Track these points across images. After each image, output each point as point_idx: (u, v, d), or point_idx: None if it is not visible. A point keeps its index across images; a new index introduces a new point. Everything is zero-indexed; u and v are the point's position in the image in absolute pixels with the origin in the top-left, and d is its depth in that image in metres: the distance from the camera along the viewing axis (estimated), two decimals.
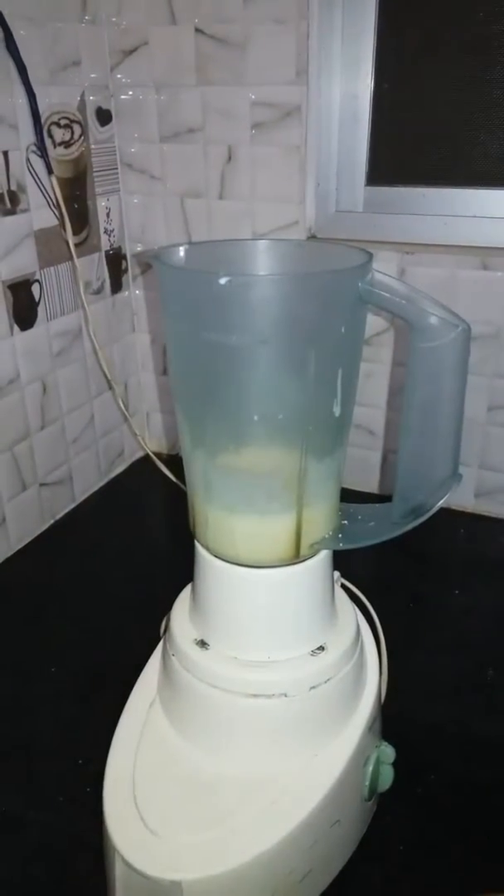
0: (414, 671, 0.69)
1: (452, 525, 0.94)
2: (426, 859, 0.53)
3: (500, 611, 0.79)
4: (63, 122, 0.84)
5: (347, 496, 0.50)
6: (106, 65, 0.89)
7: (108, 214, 0.95)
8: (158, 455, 1.03)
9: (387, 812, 0.53)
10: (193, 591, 0.53)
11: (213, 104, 0.87)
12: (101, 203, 0.94)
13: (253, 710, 0.48)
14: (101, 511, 1.00)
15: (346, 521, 0.50)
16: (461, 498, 0.96)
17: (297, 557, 0.48)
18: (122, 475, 1.08)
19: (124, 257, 1.01)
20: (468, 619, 0.78)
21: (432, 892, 0.51)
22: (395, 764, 0.53)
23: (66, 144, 0.85)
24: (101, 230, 0.95)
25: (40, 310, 0.86)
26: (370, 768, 0.51)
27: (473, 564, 0.88)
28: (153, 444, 1.13)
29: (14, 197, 0.79)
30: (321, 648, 0.50)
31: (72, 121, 0.85)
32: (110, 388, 1.01)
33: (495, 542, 0.92)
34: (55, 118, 0.82)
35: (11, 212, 0.79)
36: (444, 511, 0.93)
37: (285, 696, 0.48)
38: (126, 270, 1.02)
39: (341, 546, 0.49)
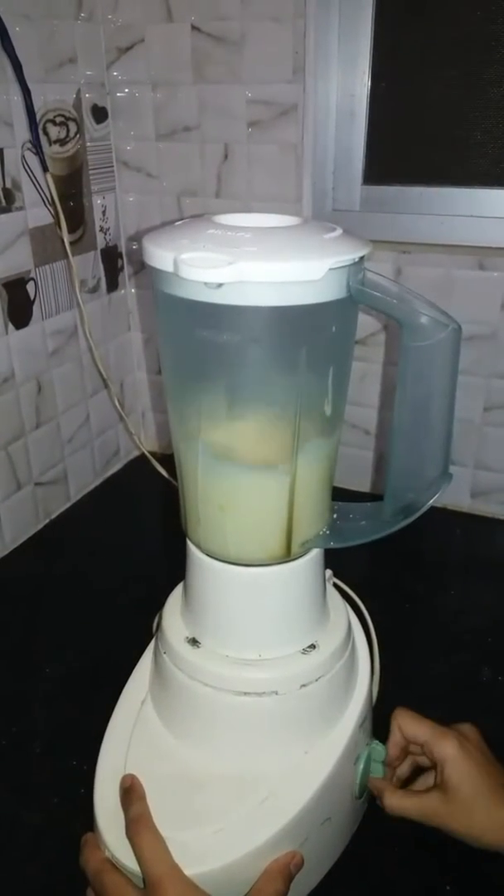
0: (408, 671, 0.69)
1: (448, 525, 0.94)
2: (418, 858, 0.53)
3: (496, 611, 0.79)
4: (59, 119, 0.84)
5: (340, 495, 0.50)
6: (102, 62, 0.89)
7: (103, 212, 0.95)
8: (154, 454, 1.03)
9: (378, 810, 0.53)
10: (185, 589, 0.53)
11: (210, 102, 0.87)
12: (97, 201, 0.93)
13: (244, 708, 0.48)
14: (96, 510, 1.00)
15: (337, 520, 0.50)
16: (457, 498, 0.96)
17: (288, 556, 0.48)
18: (118, 474, 1.08)
19: (120, 256, 1.01)
20: (464, 619, 0.78)
21: (424, 890, 0.51)
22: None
23: (62, 142, 0.85)
24: (97, 228, 0.95)
25: (35, 308, 0.86)
26: (361, 766, 0.51)
27: (469, 564, 0.88)
28: (149, 443, 1.13)
29: (9, 194, 0.78)
30: (312, 647, 0.50)
31: (67, 118, 0.85)
32: (106, 387, 1.01)
33: (491, 543, 0.92)
34: (51, 115, 0.82)
35: (6, 209, 0.78)
36: (441, 511, 0.95)
37: (276, 693, 0.48)
38: (122, 269, 1.02)
39: (332, 545, 0.49)
